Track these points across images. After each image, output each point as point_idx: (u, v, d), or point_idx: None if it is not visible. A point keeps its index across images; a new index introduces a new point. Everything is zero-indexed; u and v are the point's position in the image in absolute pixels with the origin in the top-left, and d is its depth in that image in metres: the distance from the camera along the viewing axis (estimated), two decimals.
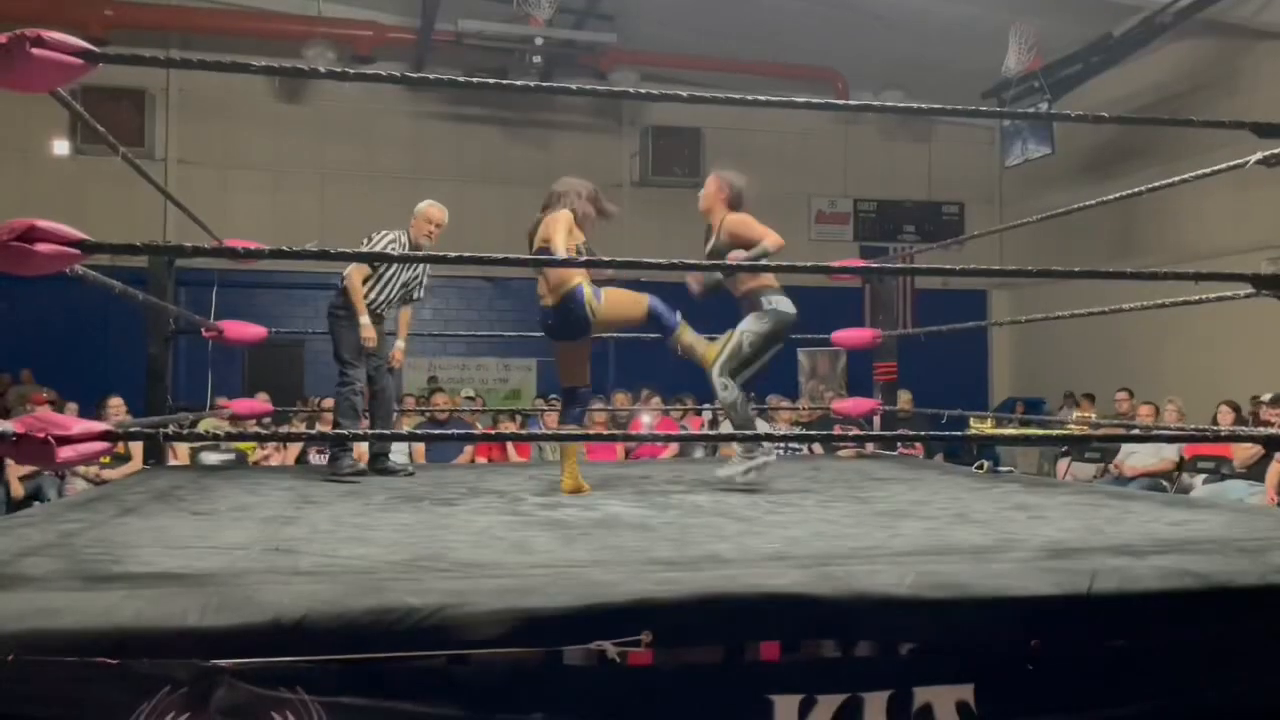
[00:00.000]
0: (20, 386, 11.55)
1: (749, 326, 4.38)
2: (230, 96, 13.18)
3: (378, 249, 4.73)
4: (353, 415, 4.79)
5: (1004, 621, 2.12)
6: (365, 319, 4.68)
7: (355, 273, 4.72)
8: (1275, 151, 2.92)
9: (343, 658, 1.85)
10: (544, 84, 2.94)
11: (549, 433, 4.07)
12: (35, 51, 2.13)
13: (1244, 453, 7.11)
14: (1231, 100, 11.00)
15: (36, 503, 6.40)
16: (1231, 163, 3.10)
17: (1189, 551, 2.47)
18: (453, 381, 13.94)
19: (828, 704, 2.00)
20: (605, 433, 3.89)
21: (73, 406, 8.99)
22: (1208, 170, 3.30)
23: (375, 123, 13.82)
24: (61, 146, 12.55)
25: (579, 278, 4.09)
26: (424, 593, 1.95)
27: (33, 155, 12.53)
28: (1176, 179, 3.49)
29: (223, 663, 1.78)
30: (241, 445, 7.55)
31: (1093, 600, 2.14)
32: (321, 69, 2.62)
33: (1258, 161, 2.94)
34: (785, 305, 4.46)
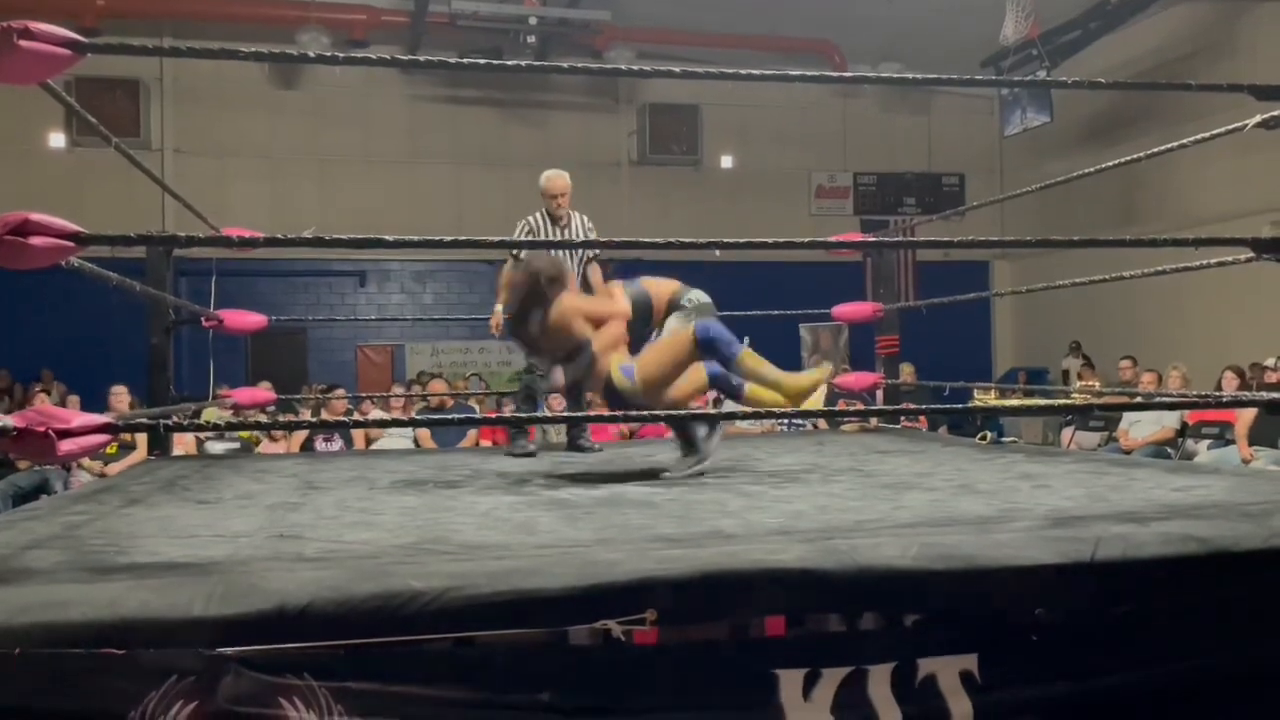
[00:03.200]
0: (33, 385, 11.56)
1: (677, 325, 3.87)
2: (225, 84, 13.15)
3: (519, 235, 4.97)
4: (529, 402, 5.09)
5: (1008, 591, 2.12)
6: (498, 307, 4.93)
7: (506, 269, 5.00)
8: (1274, 114, 2.90)
9: (349, 643, 1.85)
10: (538, 63, 2.93)
11: (553, 415, 4.07)
12: (22, 43, 2.12)
13: (1247, 417, 7.11)
14: (1231, 63, 10.94)
15: (43, 495, 6.43)
16: (1231, 126, 3.08)
17: (1193, 517, 2.47)
18: (456, 365, 13.96)
19: (832, 677, 2.00)
20: (608, 414, 3.89)
21: (74, 399, 9.01)
22: (1207, 134, 3.28)
23: (372, 107, 13.79)
24: (57, 139, 12.54)
25: (609, 357, 3.56)
26: (428, 576, 1.95)
27: (29, 148, 12.52)
28: (1176, 144, 3.47)
29: (228, 651, 1.79)
30: (244, 434, 7.56)
31: (1096, 567, 2.14)
32: (312, 54, 2.61)
33: (1257, 124, 2.92)
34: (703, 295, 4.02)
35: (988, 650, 2.07)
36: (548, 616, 1.93)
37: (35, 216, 2.14)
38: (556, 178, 5.12)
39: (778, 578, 2.03)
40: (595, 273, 5.22)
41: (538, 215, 5.15)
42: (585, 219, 5.23)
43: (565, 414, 3.99)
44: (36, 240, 2.13)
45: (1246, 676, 2.21)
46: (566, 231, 5.10)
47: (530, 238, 5.07)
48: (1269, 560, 2.23)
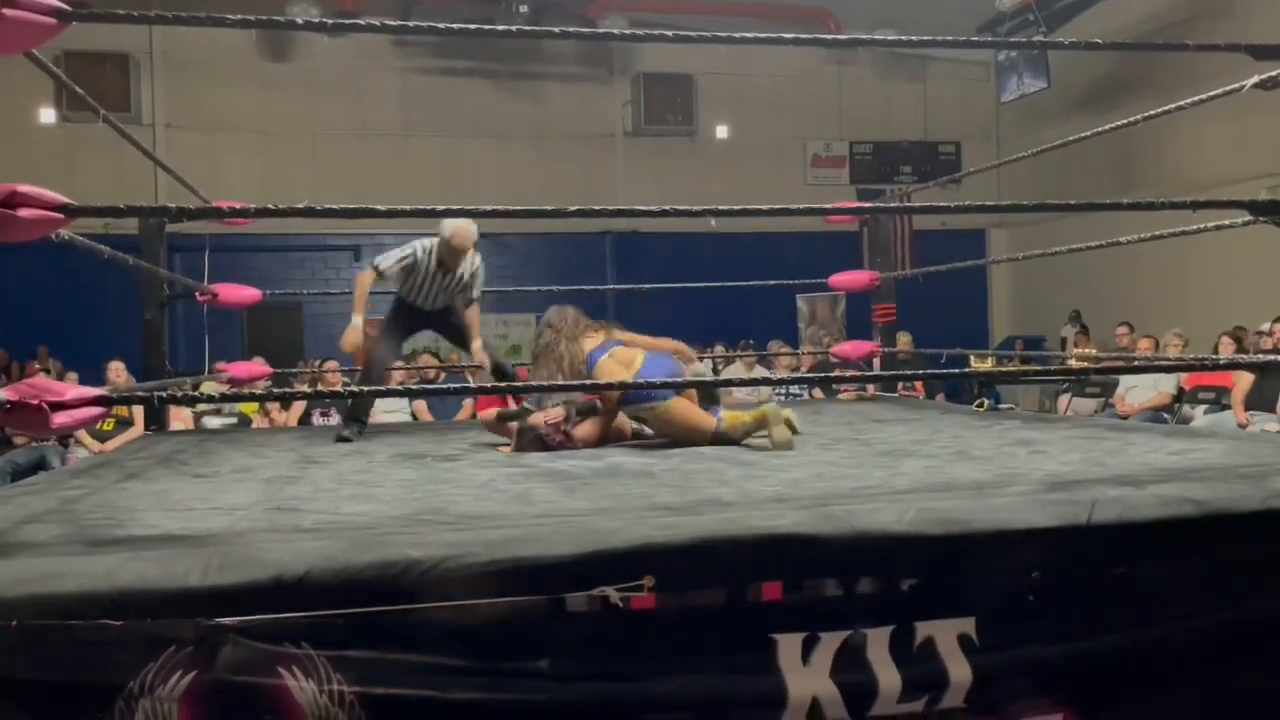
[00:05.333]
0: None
1: None
2: (216, 58, 13.04)
3: (393, 262, 4.58)
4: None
5: (1004, 554, 2.12)
6: (357, 319, 4.61)
7: (365, 277, 4.68)
8: (1271, 74, 2.88)
9: (347, 612, 1.85)
10: (530, 29, 2.90)
11: (550, 384, 4.05)
12: (7, 12, 2.09)
13: (1244, 382, 7.12)
14: (1228, 26, 10.86)
15: (41, 472, 6.43)
16: (1228, 87, 3.06)
17: (1189, 479, 2.47)
18: None
19: (830, 641, 2.01)
20: (605, 383, 3.88)
21: (73, 376, 8.98)
22: (1205, 96, 3.26)
23: (365, 80, 13.69)
24: (48, 114, 12.43)
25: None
26: (426, 545, 1.95)
27: (19, 124, 12.42)
28: (1173, 105, 3.45)
29: (226, 621, 1.79)
30: (244, 408, 7.56)
31: (1093, 530, 2.14)
32: (300, 20, 2.58)
33: (1254, 85, 2.90)
34: None
35: (985, 613, 2.08)
36: (546, 584, 1.94)
37: (23, 188, 2.12)
38: (466, 234, 4.54)
39: (774, 543, 2.04)
40: (474, 314, 4.86)
41: (430, 255, 4.59)
42: (476, 258, 4.73)
43: (565, 383, 3.98)
44: (25, 212, 2.11)
45: (1242, 637, 2.22)
46: (449, 277, 4.65)
47: (408, 270, 4.60)
48: (1265, 521, 2.24)
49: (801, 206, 3.06)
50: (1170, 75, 10.60)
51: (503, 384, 4.47)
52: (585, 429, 4.01)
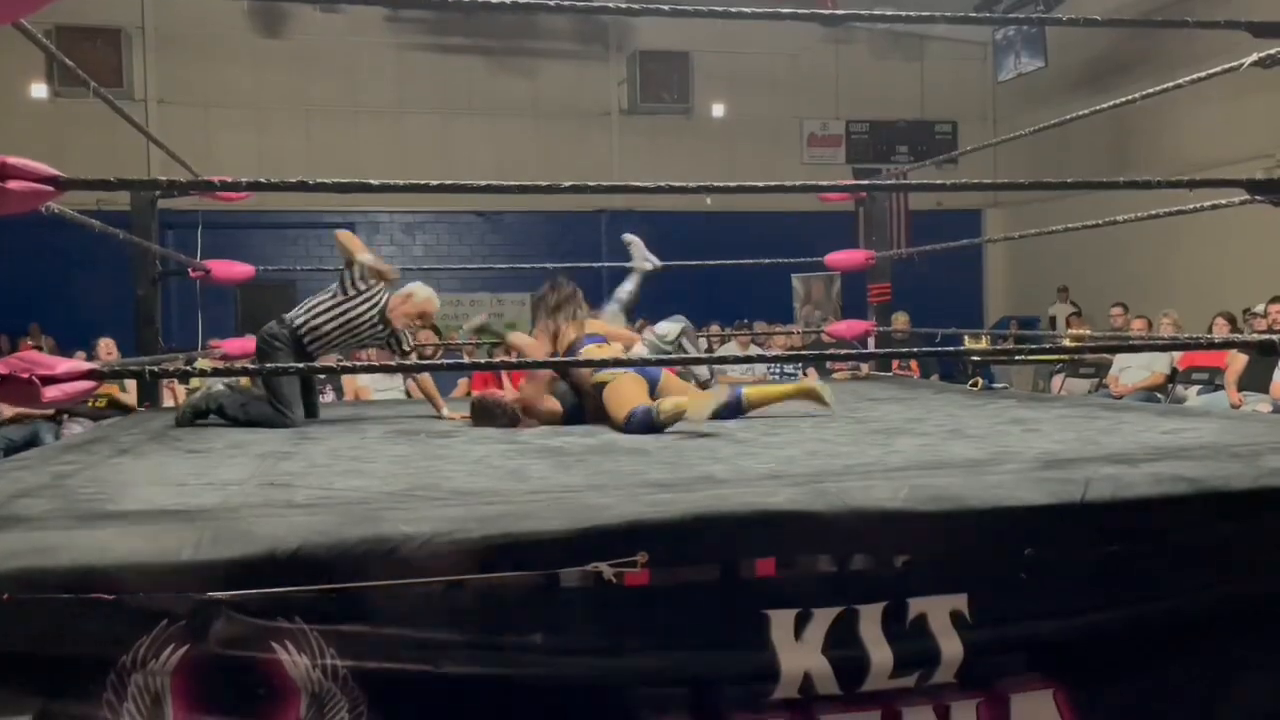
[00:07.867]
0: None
1: None
2: (209, 33, 12.94)
3: (364, 295, 4.39)
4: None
5: (998, 531, 2.13)
6: (446, 411, 4.33)
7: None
8: (1270, 52, 2.86)
9: (340, 586, 1.85)
10: (524, 2, 2.87)
11: (540, 360, 4.06)
12: None
13: (1237, 364, 7.13)
14: (1228, 6, 10.81)
15: (34, 448, 6.41)
16: (1226, 65, 3.04)
17: (1182, 458, 2.48)
18: (447, 318, 13.89)
19: (824, 617, 2.01)
20: (599, 359, 3.88)
21: (80, 355, 8.96)
22: (1203, 74, 3.24)
23: (358, 56, 13.59)
24: (39, 90, 12.33)
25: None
26: (419, 520, 1.95)
27: (10, 98, 12.32)
28: (1171, 84, 3.43)
29: (218, 595, 1.79)
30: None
31: (1086, 508, 2.15)
32: None
33: (1253, 63, 2.88)
34: None
35: (978, 590, 2.08)
36: (539, 560, 1.94)
37: (12, 160, 2.10)
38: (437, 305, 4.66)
39: (768, 519, 2.04)
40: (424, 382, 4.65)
41: (384, 297, 4.51)
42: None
43: (556, 360, 3.98)
44: (14, 184, 2.09)
45: (1234, 614, 2.23)
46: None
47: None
48: (1258, 500, 2.24)
49: (797, 184, 3.05)
50: (1168, 55, 10.55)
51: (496, 362, 4.45)
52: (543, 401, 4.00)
